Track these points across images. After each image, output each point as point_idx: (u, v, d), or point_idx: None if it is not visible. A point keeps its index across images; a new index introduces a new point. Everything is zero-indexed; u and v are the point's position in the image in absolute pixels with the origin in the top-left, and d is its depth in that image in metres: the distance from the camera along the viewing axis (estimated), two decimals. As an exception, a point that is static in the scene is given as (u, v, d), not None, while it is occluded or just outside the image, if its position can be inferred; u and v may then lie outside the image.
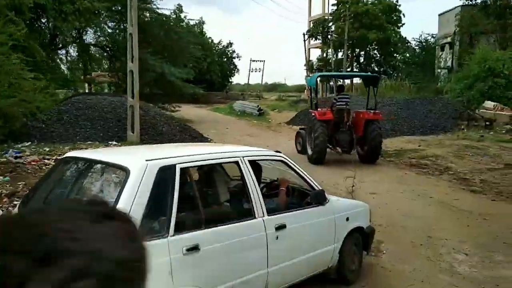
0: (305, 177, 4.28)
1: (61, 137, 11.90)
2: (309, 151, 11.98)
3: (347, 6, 35.11)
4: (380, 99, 21.90)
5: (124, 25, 24.08)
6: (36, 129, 12.26)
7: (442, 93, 23.58)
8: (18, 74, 8.17)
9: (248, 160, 3.73)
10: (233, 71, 64.30)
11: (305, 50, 41.10)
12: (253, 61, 66.06)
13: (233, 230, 3.39)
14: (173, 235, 2.94)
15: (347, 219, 4.49)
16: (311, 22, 46.69)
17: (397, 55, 41.63)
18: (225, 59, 62.39)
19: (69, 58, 21.27)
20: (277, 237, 3.65)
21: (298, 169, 4.24)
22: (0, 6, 15.56)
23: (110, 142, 11.71)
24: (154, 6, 23.42)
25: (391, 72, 41.91)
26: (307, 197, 4.29)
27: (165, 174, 3.07)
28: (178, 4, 57.43)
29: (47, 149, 10.30)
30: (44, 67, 17.52)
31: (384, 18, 39.95)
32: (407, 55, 38.31)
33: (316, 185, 4.28)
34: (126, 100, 16.72)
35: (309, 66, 43.84)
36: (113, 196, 2.94)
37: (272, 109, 32.98)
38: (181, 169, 3.18)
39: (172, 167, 3.12)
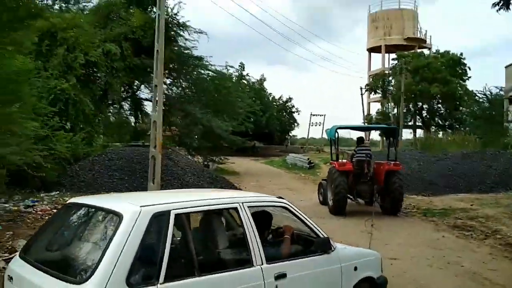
0: (309, 224, 4.13)
1: (88, 187, 12.05)
2: (330, 202, 11.85)
3: (404, 59, 34.22)
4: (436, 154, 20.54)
5: (181, 81, 25.15)
6: (68, 179, 12.55)
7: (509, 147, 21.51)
8: (20, 123, 8.37)
9: (248, 206, 3.63)
10: (292, 125, 64.50)
11: (362, 104, 40.30)
12: (313, 115, 66.09)
13: (228, 278, 3.27)
14: (163, 283, 2.87)
15: (355, 268, 4.27)
16: (371, 76, 46.07)
17: (463, 109, 39.34)
18: (285, 114, 62.88)
19: (123, 112, 22.24)
20: (277, 287, 3.48)
21: (302, 215, 4.10)
22: (54, 64, 16.85)
23: (132, 193, 11.59)
24: (206, 63, 24.05)
25: (458, 126, 39.49)
26: (312, 245, 4.07)
27: (158, 220, 3.03)
28: (240, 62, 59.74)
29: (67, 199, 10.34)
30: (93, 120, 18.32)
31: (448, 71, 38.35)
32: (474, 108, 36.05)
33: (321, 233, 4.12)
34: (165, 151, 16.92)
35: (368, 120, 42.74)
36: (100, 247, 2.92)
37: (325, 162, 32.07)
38: (176, 215, 3.12)
39: (166, 213, 3.08)
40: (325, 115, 71.01)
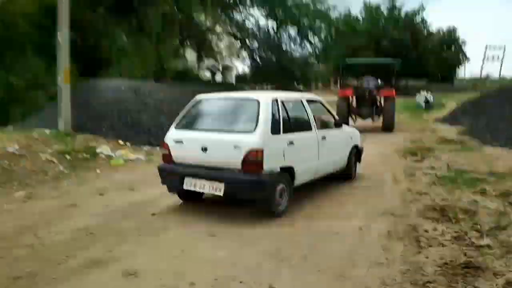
0: (331, 112, 6.96)
1: (28, 122, 10.73)
2: None
3: None
4: None
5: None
6: (36, 113, 11.69)
7: None
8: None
9: (306, 100, 6.29)
10: (460, 60, 53.96)
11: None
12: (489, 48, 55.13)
13: (305, 135, 5.86)
14: (282, 134, 5.28)
15: (351, 138, 7.38)
16: None
17: None
18: (453, 47, 52.98)
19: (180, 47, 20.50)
20: (323, 144, 6.15)
21: (328, 107, 6.89)
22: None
23: (46, 130, 9.41)
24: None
25: None
26: (332, 124, 6.85)
27: (274, 103, 5.36)
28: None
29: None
30: (131, 53, 17.00)
31: None
32: None
33: (337, 118, 6.98)
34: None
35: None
36: (252, 116, 5.10)
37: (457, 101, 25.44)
38: (281, 101, 5.51)
39: (277, 100, 5.44)
40: (504, 46, 57.63)
